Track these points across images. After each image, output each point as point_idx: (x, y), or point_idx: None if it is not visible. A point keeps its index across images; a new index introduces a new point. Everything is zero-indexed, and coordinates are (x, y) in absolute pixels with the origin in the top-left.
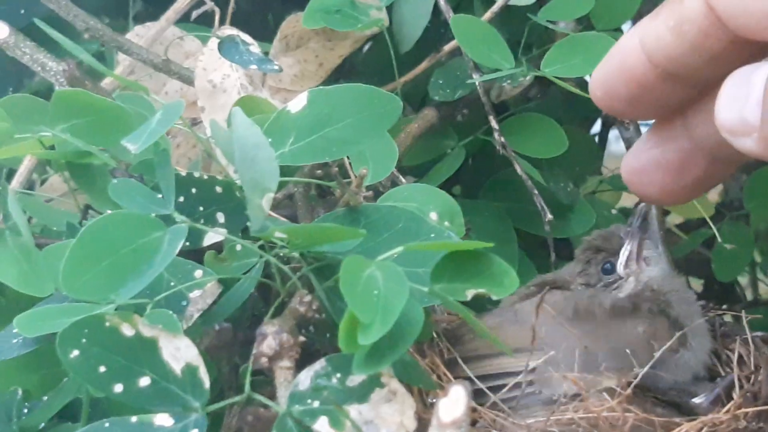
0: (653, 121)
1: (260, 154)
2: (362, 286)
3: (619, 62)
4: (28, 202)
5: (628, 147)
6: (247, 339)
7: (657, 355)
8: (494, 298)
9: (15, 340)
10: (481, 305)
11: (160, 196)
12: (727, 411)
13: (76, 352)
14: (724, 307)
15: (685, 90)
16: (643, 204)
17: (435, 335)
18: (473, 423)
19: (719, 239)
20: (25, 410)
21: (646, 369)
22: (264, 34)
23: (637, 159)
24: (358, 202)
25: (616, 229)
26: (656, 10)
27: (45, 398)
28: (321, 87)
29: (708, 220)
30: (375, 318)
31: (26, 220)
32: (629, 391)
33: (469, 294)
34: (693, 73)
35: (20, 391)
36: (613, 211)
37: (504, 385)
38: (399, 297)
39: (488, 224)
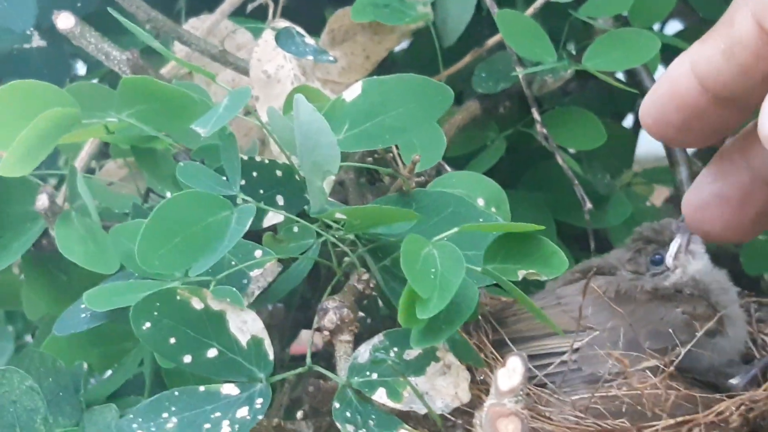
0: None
1: (322, 139)
2: (421, 263)
3: (670, 89)
4: (90, 185)
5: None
6: (296, 321)
7: (699, 333)
8: (543, 278)
9: (83, 315)
10: (524, 289)
11: (224, 178)
12: (766, 389)
13: (148, 324)
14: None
15: (735, 114)
16: None
17: (480, 317)
18: None
19: None
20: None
21: (688, 347)
22: (309, 28)
23: (697, 195)
24: (410, 187)
25: (668, 223)
26: (706, 35)
27: (108, 373)
28: (374, 77)
29: None
30: (433, 294)
31: (93, 201)
32: (672, 368)
33: (521, 274)
34: (744, 95)
35: (86, 365)
36: (648, 204)
37: (548, 365)
38: (456, 274)
39: (527, 214)
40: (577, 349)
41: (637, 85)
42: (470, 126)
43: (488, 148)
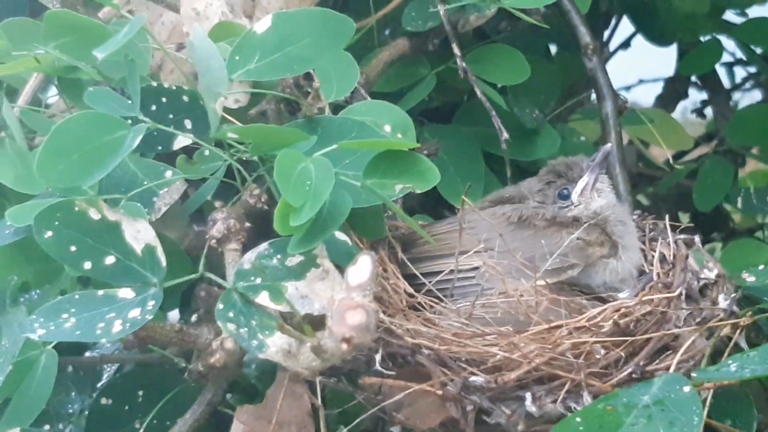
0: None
1: (212, 62)
2: (296, 176)
3: None
4: (33, 119)
5: (591, 77)
6: None
7: (567, 241)
8: (418, 191)
9: (7, 231)
10: (439, 215)
11: (130, 102)
12: (640, 298)
13: (49, 233)
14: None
15: None
16: (609, 144)
17: (392, 238)
18: (413, 308)
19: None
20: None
21: (554, 257)
22: None
23: None
24: (312, 112)
25: (579, 160)
26: None
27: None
28: (284, 11)
29: None
30: (305, 203)
31: (20, 126)
32: (539, 275)
33: (397, 188)
34: None
35: (15, 278)
36: (582, 139)
37: (449, 280)
38: (327, 185)
39: (458, 146)
40: (476, 267)
41: (567, 23)
42: (402, 63)
43: (419, 84)
